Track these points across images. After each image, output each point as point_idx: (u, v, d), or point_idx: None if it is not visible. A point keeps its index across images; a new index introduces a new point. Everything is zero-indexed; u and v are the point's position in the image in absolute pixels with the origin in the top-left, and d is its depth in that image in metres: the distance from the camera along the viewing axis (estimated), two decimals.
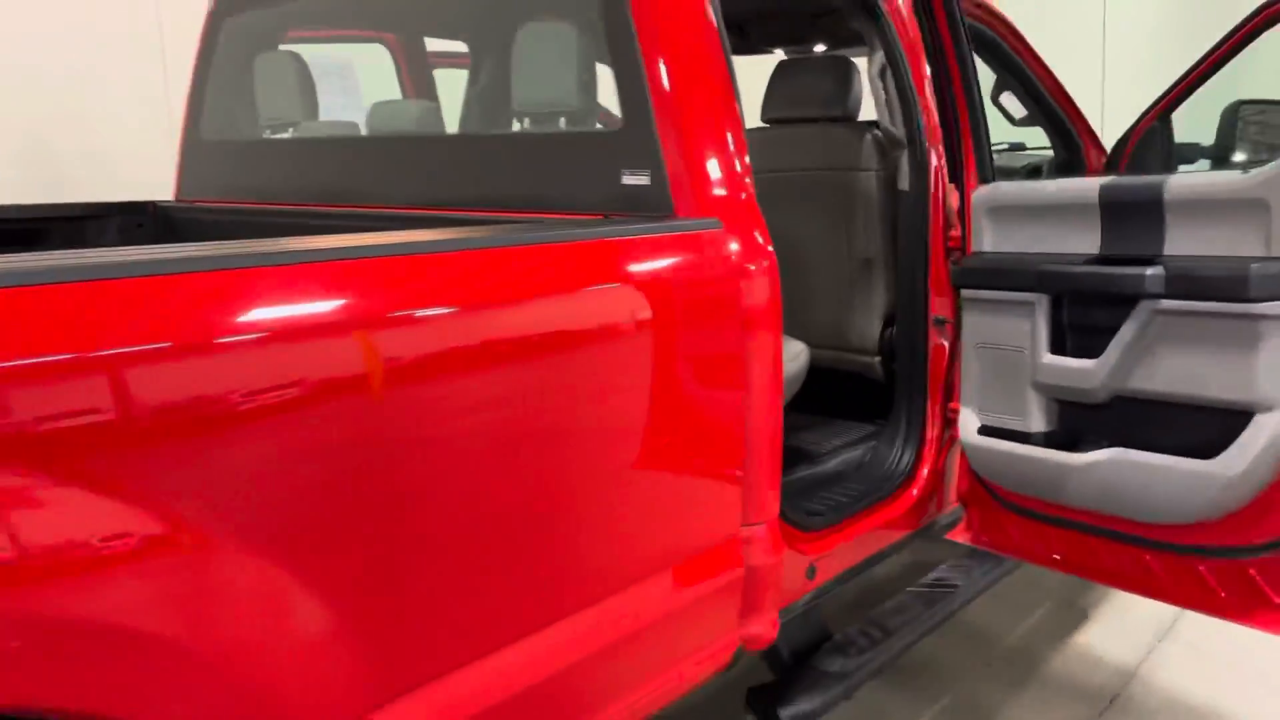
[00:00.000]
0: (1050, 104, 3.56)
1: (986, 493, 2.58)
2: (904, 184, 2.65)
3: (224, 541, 1.15)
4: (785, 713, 2.13)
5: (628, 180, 1.93)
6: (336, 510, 1.26)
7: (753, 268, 1.87)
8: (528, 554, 1.51)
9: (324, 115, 2.86)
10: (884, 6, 2.55)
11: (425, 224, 2.07)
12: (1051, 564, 2.52)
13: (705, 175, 1.89)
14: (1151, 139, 3.35)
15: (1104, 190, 2.23)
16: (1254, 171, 2.00)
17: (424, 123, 2.55)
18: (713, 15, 1.96)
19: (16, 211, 2.67)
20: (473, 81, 2.97)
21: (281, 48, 2.73)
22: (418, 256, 1.39)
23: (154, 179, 4.58)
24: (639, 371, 1.67)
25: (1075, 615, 3.52)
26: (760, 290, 1.88)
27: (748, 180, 1.94)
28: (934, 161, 2.60)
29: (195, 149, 2.86)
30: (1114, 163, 3.42)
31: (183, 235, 2.75)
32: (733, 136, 1.94)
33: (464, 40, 3.08)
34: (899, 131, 2.64)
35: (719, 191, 1.89)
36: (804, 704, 2.16)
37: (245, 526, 1.17)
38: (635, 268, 1.68)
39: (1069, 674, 3.13)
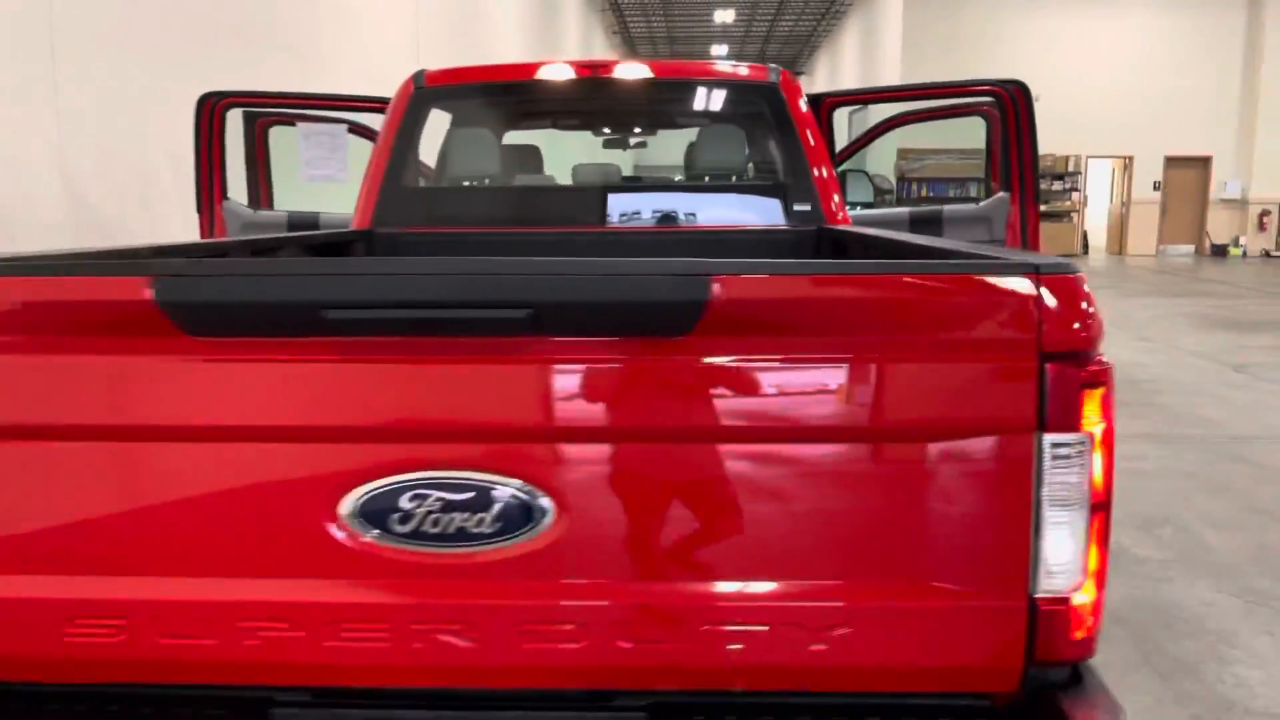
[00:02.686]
0: None
1: None
2: None
3: None
4: None
5: (797, 207, 3.89)
6: None
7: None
8: None
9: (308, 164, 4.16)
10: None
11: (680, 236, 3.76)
12: None
13: (833, 204, 3.93)
14: None
15: (911, 213, 4.71)
16: (982, 203, 4.64)
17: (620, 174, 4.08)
18: (821, 124, 4.02)
19: (298, 240, 3.59)
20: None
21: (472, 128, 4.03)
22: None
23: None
24: None
25: None
26: None
27: (845, 208, 4.02)
28: None
29: (393, 192, 3.92)
30: None
31: (406, 252, 3.85)
32: (837, 186, 4.01)
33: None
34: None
35: (839, 213, 3.95)
36: None
37: None
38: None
39: None
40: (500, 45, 16.00)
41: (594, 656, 1.54)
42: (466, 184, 4.07)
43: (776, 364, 1.47)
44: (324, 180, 4.78)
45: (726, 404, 1.49)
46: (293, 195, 5.21)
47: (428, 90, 3.99)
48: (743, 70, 4.04)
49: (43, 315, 1.52)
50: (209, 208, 4.72)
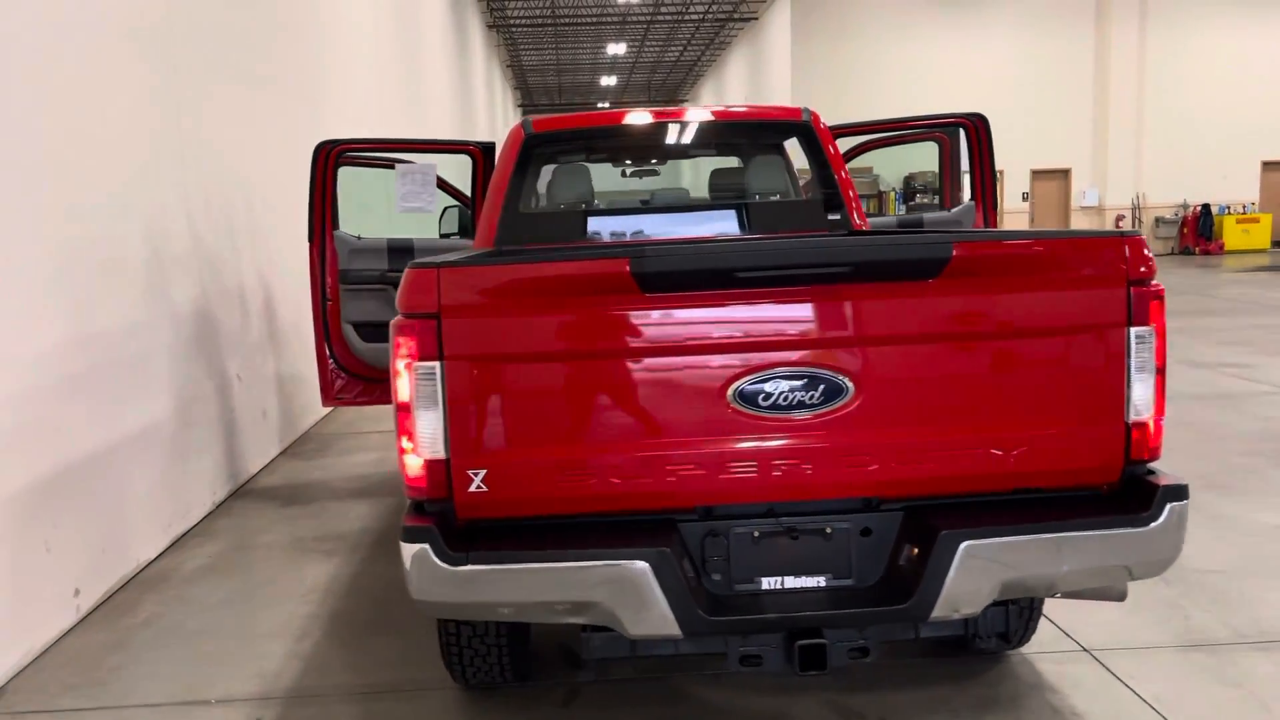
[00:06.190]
0: None
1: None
2: None
3: None
4: None
5: (832, 217, 4.98)
6: None
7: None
8: None
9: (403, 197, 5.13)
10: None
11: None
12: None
13: (858, 213, 5.03)
14: None
15: (899, 219, 5.86)
16: (954, 210, 5.83)
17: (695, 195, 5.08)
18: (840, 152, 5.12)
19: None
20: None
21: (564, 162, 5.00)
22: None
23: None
24: None
25: None
26: None
27: (865, 216, 5.12)
28: None
29: (512, 217, 4.83)
30: None
31: None
32: (857, 198, 5.11)
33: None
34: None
35: (862, 220, 5.06)
36: None
37: None
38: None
39: None
40: (432, 84, 16.87)
41: (877, 474, 2.57)
42: (564, 207, 5.03)
43: (988, 292, 2.55)
44: (417, 211, 5.63)
45: (958, 318, 2.56)
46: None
47: (535, 135, 4.95)
48: (779, 111, 5.13)
49: (562, 284, 2.48)
50: (320, 237, 5.55)
